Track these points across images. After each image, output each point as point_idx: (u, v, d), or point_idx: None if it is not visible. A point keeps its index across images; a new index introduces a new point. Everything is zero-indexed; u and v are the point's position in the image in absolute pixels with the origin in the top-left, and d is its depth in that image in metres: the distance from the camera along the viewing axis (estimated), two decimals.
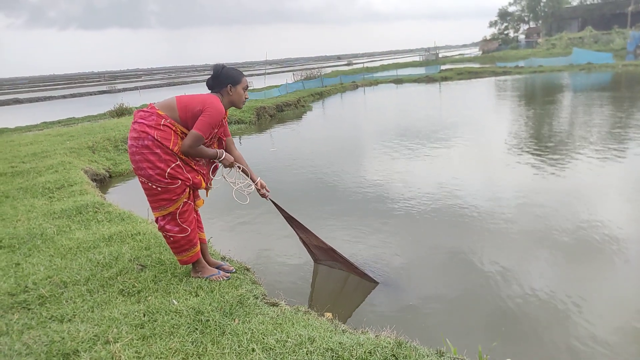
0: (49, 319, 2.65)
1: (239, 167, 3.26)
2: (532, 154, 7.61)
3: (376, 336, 2.44)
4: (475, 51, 63.47)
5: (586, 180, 6.08)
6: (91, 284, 3.08)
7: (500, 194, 5.74)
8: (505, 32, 57.57)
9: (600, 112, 11.45)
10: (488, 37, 57.80)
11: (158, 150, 2.75)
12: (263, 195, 3.37)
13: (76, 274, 3.22)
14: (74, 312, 2.71)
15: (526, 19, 56.82)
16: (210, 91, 3.03)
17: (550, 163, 6.96)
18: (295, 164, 8.25)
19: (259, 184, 3.31)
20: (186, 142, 2.81)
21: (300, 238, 3.89)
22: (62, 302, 2.85)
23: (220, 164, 3.18)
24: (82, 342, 2.35)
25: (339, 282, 3.82)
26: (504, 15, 57.45)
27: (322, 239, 3.73)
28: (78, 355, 2.26)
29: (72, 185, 5.94)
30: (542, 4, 52.15)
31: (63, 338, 2.39)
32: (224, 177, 3.29)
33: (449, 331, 2.98)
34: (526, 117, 11.75)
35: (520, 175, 6.52)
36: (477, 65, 32.53)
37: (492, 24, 58.48)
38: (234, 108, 3.18)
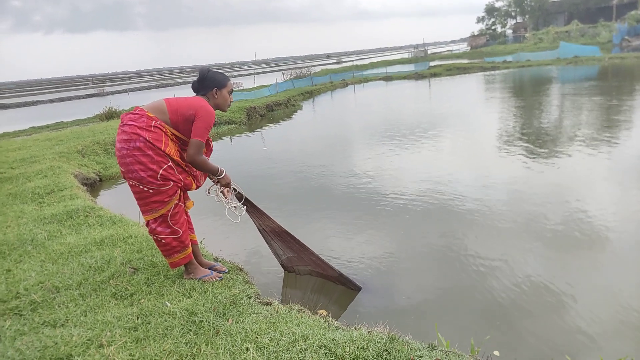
0: (42, 324, 2.64)
1: (235, 189, 3.26)
2: (523, 145, 7.68)
3: (369, 332, 2.46)
4: (464, 47, 63.80)
5: (577, 170, 6.15)
6: (83, 288, 3.07)
7: (490, 186, 5.79)
8: (493, 28, 57.84)
9: (590, 102, 11.57)
10: (476, 33, 58.07)
11: (150, 152, 2.75)
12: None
13: (68, 278, 3.21)
14: (67, 316, 2.70)
15: (513, 14, 57.09)
16: (195, 94, 3.03)
17: (541, 154, 7.03)
18: (286, 163, 8.25)
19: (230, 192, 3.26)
20: (190, 152, 2.83)
21: (268, 243, 3.76)
22: (54, 307, 2.83)
23: (216, 181, 3.15)
24: (76, 347, 2.35)
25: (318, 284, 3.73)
26: (491, 10, 57.69)
27: (278, 223, 3.57)
28: None
29: (62, 190, 5.90)
30: None
31: (56, 343, 2.38)
32: (217, 195, 3.25)
33: (441, 326, 3.01)
34: (516, 109, 11.85)
35: (511, 167, 6.58)
36: (465, 61, 32.78)
37: (480, 20, 58.74)
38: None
